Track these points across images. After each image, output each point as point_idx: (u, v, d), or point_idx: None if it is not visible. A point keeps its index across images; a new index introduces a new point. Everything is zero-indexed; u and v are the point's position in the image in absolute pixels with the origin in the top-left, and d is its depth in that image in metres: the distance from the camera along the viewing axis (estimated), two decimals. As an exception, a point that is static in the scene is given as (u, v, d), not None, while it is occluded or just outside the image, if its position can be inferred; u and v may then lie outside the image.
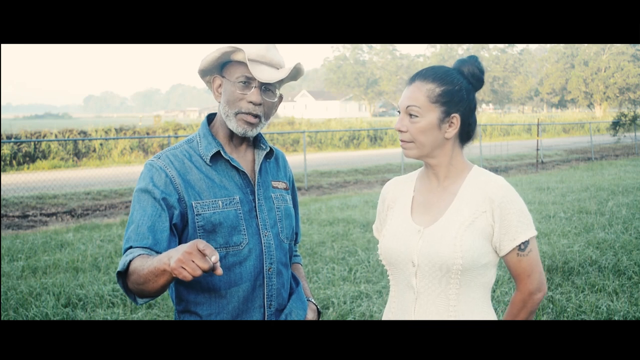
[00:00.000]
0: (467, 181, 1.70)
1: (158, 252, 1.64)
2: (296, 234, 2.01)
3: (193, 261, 1.33)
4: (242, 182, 1.81)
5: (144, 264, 1.51)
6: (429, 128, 1.66)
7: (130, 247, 1.64)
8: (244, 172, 1.82)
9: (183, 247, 1.37)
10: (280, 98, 1.87)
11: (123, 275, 1.60)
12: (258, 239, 1.79)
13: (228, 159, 1.80)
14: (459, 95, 1.67)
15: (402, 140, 1.70)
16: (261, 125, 1.81)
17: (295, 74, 1.84)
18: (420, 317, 1.67)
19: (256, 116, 1.78)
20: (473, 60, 1.72)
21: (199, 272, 1.33)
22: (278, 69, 1.82)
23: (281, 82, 1.84)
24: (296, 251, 2.09)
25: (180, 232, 1.74)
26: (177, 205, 1.72)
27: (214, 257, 1.34)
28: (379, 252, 1.78)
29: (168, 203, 1.70)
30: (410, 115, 1.67)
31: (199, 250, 1.34)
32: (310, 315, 1.93)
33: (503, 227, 1.63)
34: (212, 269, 1.35)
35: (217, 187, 1.77)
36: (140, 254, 1.58)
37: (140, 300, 1.63)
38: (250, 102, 1.76)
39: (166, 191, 1.71)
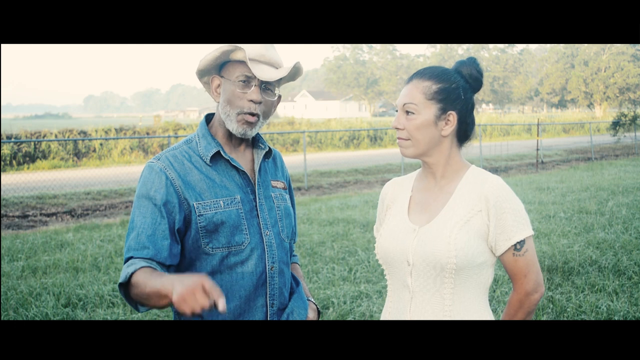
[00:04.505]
0: (463, 180, 1.70)
1: (159, 262, 1.66)
2: (294, 233, 2.02)
3: (195, 297, 1.34)
4: (242, 182, 1.81)
5: (147, 282, 1.52)
6: (425, 125, 1.67)
7: (132, 257, 1.65)
8: (244, 171, 1.82)
9: (188, 282, 1.37)
10: (279, 98, 1.87)
11: (124, 285, 1.62)
12: (260, 238, 1.79)
13: (228, 158, 1.80)
14: (455, 93, 1.68)
15: (399, 138, 1.71)
16: (259, 124, 1.81)
17: (295, 73, 1.85)
18: (415, 317, 1.67)
19: (255, 115, 1.78)
20: (472, 61, 1.74)
21: (199, 310, 1.34)
22: (277, 68, 1.82)
23: (280, 81, 1.84)
24: (293, 251, 2.09)
25: (183, 235, 1.75)
26: (179, 209, 1.72)
27: (221, 305, 1.34)
28: (375, 251, 1.78)
29: (169, 209, 1.71)
30: (407, 112, 1.68)
31: (204, 288, 1.35)
32: (311, 315, 1.93)
33: (498, 226, 1.63)
34: (215, 307, 1.36)
35: (217, 187, 1.77)
36: (142, 267, 1.59)
37: (142, 309, 1.66)
38: (251, 100, 1.76)
39: (167, 196, 1.71)
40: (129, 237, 1.70)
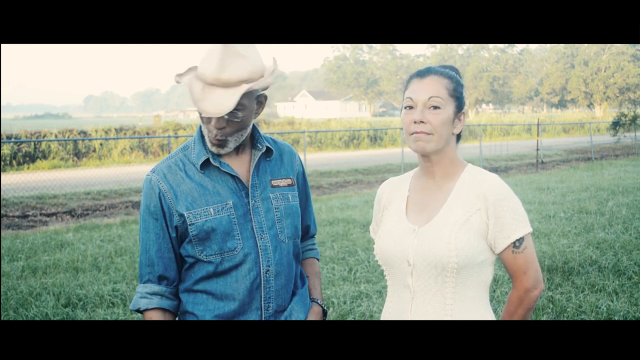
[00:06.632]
0: (461, 179, 1.71)
1: (167, 278, 1.79)
2: (308, 226, 2.01)
3: None
4: (236, 186, 1.81)
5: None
6: (448, 121, 1.68)
7: (148, 281, 1.79)
8: (236, 176, 1.81)
9: None
10: (264, 99, 1.82)
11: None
12: (254, 242, 1.79)
13: (217, 165, 1.79)
14: (463, 94, 1.74)
15: (420, 133, 1.66)
16: (233, 140, 1.77)
17: (264, 84, 1.74)
18: (416, 317, 1.67)
19: (221, 139, 1.76)
20: (455, 68, 1.79)
21: None
22: (238, 85, 1.69)
23: (253, 92, 1.74)
24: (313, 244, 2.07)
25: (180, 245, 1.81)
26: (174, 221, 1.78)
27: None
28: (375, 252, 1.78)
29: (167, 221, 1.78)
30: (433, 107, 1.66)
31: None
32: (312, 317, 1.91)
33: (497, 224, 1.63)
34: None
35: (209, 195, 1.77)
36: (151, 309, 1.78)
37: None
38: (215, 127, 1.74)
39: (164, 208, 1.77)
40: (141, 251, 1.81)
